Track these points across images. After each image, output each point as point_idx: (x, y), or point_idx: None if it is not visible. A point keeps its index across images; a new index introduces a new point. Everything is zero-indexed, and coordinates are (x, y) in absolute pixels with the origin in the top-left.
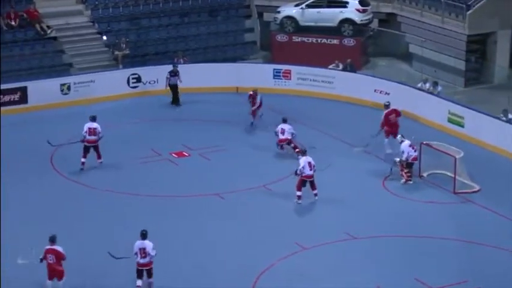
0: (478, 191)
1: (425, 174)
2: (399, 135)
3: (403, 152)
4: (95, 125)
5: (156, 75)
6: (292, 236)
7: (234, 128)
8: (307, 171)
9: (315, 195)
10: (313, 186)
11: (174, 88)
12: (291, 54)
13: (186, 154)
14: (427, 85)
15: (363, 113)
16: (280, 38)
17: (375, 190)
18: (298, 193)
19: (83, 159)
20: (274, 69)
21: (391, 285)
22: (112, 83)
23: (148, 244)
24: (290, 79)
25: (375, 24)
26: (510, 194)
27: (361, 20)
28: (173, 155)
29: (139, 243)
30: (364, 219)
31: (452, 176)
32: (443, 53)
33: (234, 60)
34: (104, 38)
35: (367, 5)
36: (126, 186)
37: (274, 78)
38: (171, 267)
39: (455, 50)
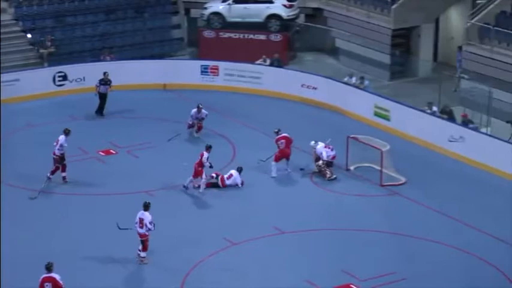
0: (404, 183)
1: (352, 168)
2: (312, 142)
3: (321, 153)
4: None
5: (82, 73)
6: (221, 231)
7: (162, 125)
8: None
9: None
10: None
11: (103, 97)
12: (219, 50)
13: (114, 152)
14: (353, 79)
15: (291, 108)
16: (208, 34)
17: (303, 184)
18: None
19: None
20: (201, 65)
21: (320, 278)
22: (38, 81)
23: (147, 216)
24: (217, 75)
25: (301, 19)
26: (435, 186)
27: (288, 15)
28: (100, 153)
29: (139, 213)
30: (293, 213)
31: (379, 168)
32: (369, 47)
33: (161, 57)
34: (29, 35)
35: (294, 0)
36: (53, 185)
37: (201, 74)
38: (100, 266)
39: (381, 44)
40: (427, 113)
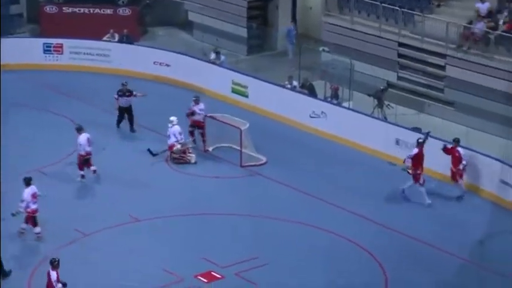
0: (265, 163)
1: (210, 149)
2: (174, 118)
3: (174, 134)
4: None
5: None
6: (71, 222)
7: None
8: (87, 148)
9: (94, 171)
10: (89, 164)
11: (126, 111)
12: (62, 26)
13: None
14: (213, 55)
15: (143, 87)
16: (49, 9)
17: (158, 168)
18: (81, 172)
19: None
20: (44, 43)
21: (179, 266)
22: None
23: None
24: (62, 53)
25: None
26: (297, 164)
27: None
28: None
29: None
30: (149, 199)
31: (239, 148)
32: (224, 21)
33: None
34: None
35: None
36: None
37: (44, 53)
38: None
39: (236, 17)
40: (287, 88)
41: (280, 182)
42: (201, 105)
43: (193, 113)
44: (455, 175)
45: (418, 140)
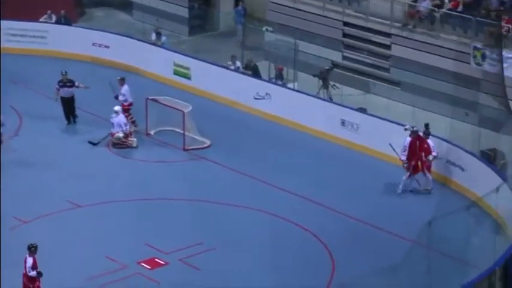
0: (209, 146)
1: (152, 132)
2: (119, 108)
3: (120, 124)
4: None
5: None
6: (8, 209)
7: None
8: None
9: None
10: None
11: (69, 102)
12: None
13: None
14: (153, 36)
15: (82, 70)
16: None
17: (100, 154)
18: None
19: None
20: None
21: (121, 253)
22: None
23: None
24: None
25: None
26: (241, 147)
27: None
28: None
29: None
30: (90, 185)
31: (182, 132)
32: (164, 0)
33: None
34: None
35: None
36: None
37: None
38: None
39: None
40: (231, 70)
41: (224, 165)
42: (123, 89)
43: (117, 97)
44: (423, 166)
45: (411, 129)
